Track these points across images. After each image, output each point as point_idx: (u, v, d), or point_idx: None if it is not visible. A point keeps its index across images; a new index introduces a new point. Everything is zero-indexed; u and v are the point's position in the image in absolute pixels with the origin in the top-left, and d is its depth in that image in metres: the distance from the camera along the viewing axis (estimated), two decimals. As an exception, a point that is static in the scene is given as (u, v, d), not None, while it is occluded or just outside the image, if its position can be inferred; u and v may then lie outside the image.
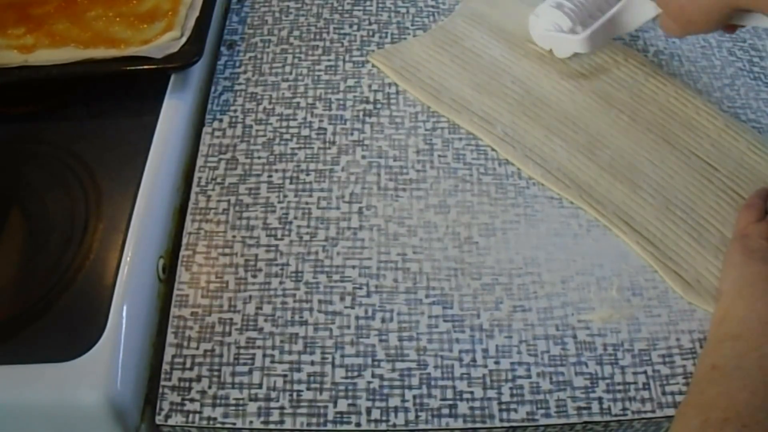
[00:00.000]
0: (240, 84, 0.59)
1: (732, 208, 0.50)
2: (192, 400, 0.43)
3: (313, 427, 0.42)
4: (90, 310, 0.44)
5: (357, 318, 0.46)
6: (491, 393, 0.43)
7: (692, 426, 0.38)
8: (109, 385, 0.41)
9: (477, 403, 0.43)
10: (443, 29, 0.62)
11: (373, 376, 0.44)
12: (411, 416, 0.43)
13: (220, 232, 0.50)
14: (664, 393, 0.43)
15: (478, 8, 0.64)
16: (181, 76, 0.56)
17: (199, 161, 0.54)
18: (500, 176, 0.53)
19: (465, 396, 0.43)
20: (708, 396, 0.40)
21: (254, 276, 0.48)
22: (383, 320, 0.46)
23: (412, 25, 0.63)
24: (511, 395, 0.43)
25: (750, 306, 0.44)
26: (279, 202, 0.52)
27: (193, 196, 0.52)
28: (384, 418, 0.43)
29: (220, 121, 0.56)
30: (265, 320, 0.46)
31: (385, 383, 0.44)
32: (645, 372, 0.44)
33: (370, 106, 0.57)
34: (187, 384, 0.44)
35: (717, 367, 0.41)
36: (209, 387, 0.44)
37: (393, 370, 0.44)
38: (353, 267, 0.48)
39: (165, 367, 0.45)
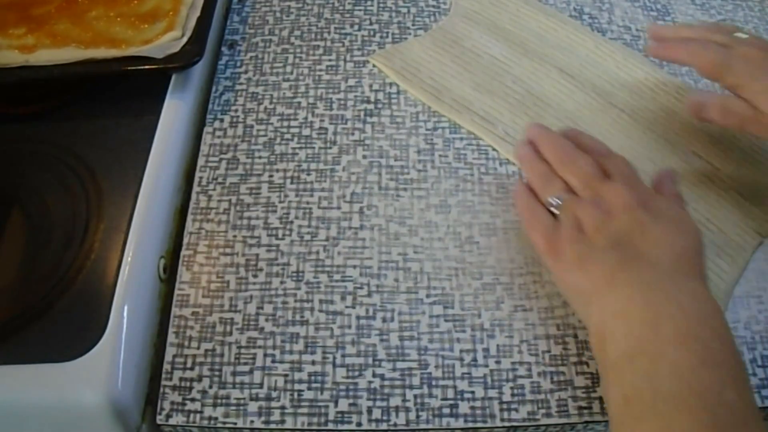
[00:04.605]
0: (241, 84, 0.59)
1: (734, 207, 0.50)
2: (193, 400, 0.43)
3: (314, 427, 0.42)
4: (91, 310, 0.44)
5: (358, 318, 0.46)
6: (492, 393, 0.43)
7: None
8: (109, 385, 0.41)
9: (478, 403, 0.43)
10: (443, 30, 0.62)
11: (374, 375, 0.44)
12: (412, 416, 0.43)
13: (221, 232, 0.50)
14: (665, 393, 0.43)
15: (471, 7, 0.64)
16: (182, 76, 0.56)
17: (200, 161, 0.54)
18: (501, 176, 0.53)
19: (466, 396, 0.43)
20: None
21: (255, 276, 0.48)
22: (384, 320, 0.46)
23: (413, 24, 0.63)
24: (512, 395, 0.43)
25: (623, 315, 0.39)
26: (280, 202, 0.52)
27: (194, 196, 0.52)
28: (385, 417, 0.43)
29: (221, 120, 0.56)
30: (266, 320, 0.46)
31: (386, 383, 0.44)
32: (646, 372, 0.44)
33: (371, 106, 0.57)
34: (188, 384, 0.44)
35: (631, 399, 0.36)
36: (210, 387, 0.44)
37: (394, 369, 0.44)
38: (354, 267, 0.48)
39: (166, 366, 0.45)
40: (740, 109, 0.47)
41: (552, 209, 0.46)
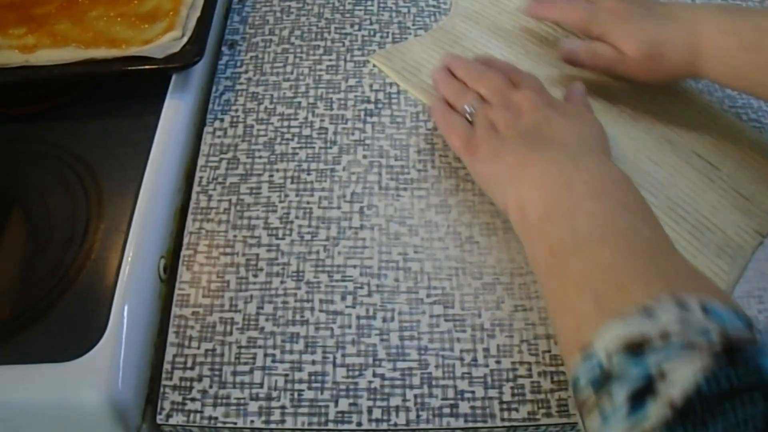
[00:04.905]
0: (241, 84, 0.59)
1: (734, 207, 0.50)
2: (193, 400, 0.43)
3: (315, 427, 0.42)
4: (91, 310, 0.44)
5: (358, 317, 0.46)
6: (492, 392, 0.43)
7: (585, 310, 0.36)
8: (110, 385, 0.41)
9: (478, 403, 0.43)
10: (443, 29, 0.62)
11: (374, 375, 0.44)
12: (412, 415, 0.43)
13: (222, 232, 0.50)
14: (665, 392, 0.43)
15: (471, 7, 0.64)
16: (183, 75, 0.56)
17: (201, 161, 0.54)
18: (501, 176, 0.53)
19: (466, 395, 0.43)
20: (575, 276, 0.38)
21: (255, 275, 0.48)
22: (384, 320, 0.46)
23: (413, 24, 0.63)
24: (512, 395, 0.43)
25: (539, 184, 0.43)
26: (280, 202, 0.52)
27: (194, 196, 0.52)
28: (385, 417, 0.43)
29: (222, 120, 0.56)
30: (266, 320, 0.46)
31: (387, 383, 0.44)
32: (646, 371, 0.44)
33: (371, 106, 0.57)
34: (188, 383, 0.44)
35: (555, 249, 0.40)
36: (210, 386, 0.44)
37: (394, 369, 0.44)
38: (354, 266, 0.48)
39: (166, 366, 0.45)
40: (606, 53, 0.53)
41: (467, 116, 0.51)
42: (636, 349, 0.32)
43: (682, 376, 0.30)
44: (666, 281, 0.35)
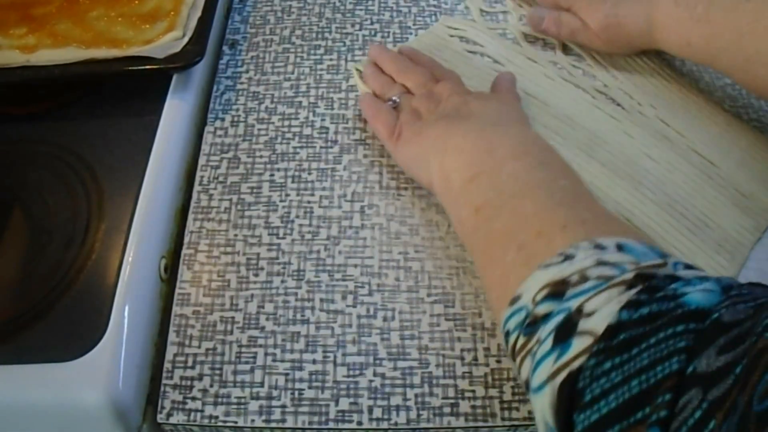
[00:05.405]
0: (242, 83, 0.59)
1: (733, 204, 0.50)
2: (194, 399, 0.43)
3: (315, 426, 0.42)
4: (92, 310, 0.44)
5: (359, 317, 0.46)
6: (493, 392, 0.43)
7: (511, 261, 0.38)
8: (110, 385, 0.41)
9: (479, 402, 0.43)
10: (441, 29, 0.62)
11: (374, 374, 0.44)
12: (413, 415, 0.43)
13: (222, 231, 0.50)
14: (666, 391, 0.43)
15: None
16: (183, 75, 0.56)
17: (201, 160, 0.54)
18: (502, 175, 0.53)
19: (467, 395, 0.43)
20: (501, 229, 0.40)
21: (256, 275, 0.48)
22: (385, 319, 0.46)
23: (414, 24, 0.63)
24: (513, 394, 0.43)
25: (462, 150, 0.44)
26: (281, 201, 0.52)
27: (195, 195, 0.52)
28: (386, 416, 0.43)
29: (222, 120, 0.56)
30: (267, 319, 0.46)
31: (387, 382, 0.44)
32: (647, 370, 0.44)
33: (371, 105, 0.57)
34: (188, 382, 0.44)
35: (480, 206, 0.42)
36: (211, 385, 0.44)
37: (395, 368, 0.44)
38: (355, 266, 0.48)
39: (167, 365, 0.45)
40: (570, 22, 0.57)
41: (393, 107, 0.53)
42: (558, 291, 0.33)
43: (600, 309, 0.31)
44: (584, 226, 0.37)
